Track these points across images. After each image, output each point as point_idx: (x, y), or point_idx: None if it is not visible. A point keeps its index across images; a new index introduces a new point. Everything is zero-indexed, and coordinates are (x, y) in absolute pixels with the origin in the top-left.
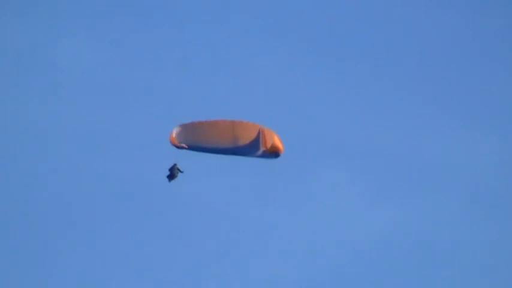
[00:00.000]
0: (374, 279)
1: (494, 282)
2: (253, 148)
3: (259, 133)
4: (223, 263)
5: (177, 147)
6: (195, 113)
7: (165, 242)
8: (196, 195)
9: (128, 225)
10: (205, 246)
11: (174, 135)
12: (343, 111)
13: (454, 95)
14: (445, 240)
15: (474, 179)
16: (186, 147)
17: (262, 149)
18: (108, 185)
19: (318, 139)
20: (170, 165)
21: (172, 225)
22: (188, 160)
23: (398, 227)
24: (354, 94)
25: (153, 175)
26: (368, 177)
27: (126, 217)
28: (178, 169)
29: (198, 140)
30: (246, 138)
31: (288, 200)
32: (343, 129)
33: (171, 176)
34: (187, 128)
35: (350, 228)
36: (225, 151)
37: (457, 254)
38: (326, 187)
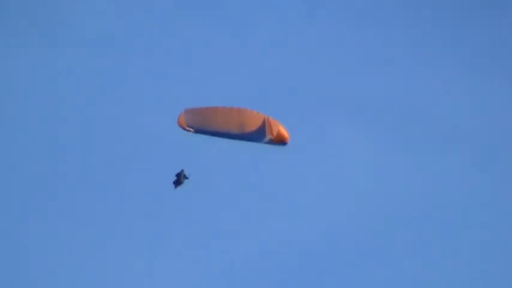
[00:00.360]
0: (383, 230)
1: (499, 237)
2: (260, 135)
3: (264, 122)
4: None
5: (184, 129)
6: (201, 99)
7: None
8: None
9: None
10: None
11: (182, 118)
12: (349, 65)
13: (464, 47)
14: (454, 195)
15: (484, 133)
16: (193, 130)
17: (268, 137)
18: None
19: (325, 94)
20: (177, 170)
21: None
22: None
23: (408, 181)
24: (359, 47)
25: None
26: (377, 132)
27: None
28: (185, 175)
29: (205, 123)
30: (252, 125)
31: (298, 157)
32: (350, 84)
33: (178, 182)
34: (195, 112)
35: (360, 181)
36: (232, 136)
37: (465, 208)
38: (335, 142)
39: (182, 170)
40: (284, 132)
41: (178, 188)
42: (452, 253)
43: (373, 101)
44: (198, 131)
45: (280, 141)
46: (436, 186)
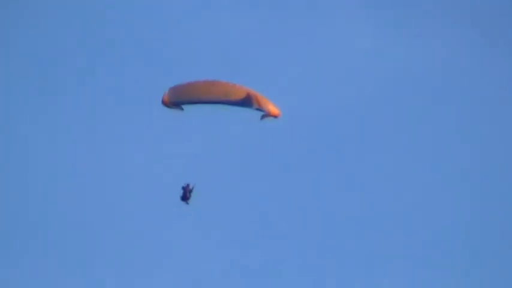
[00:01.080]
0: (381, 115)
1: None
2: (247, 101)
3: (249, 92)
4: None
5: (170, 107)
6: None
7: None
8: None
9: None
10: None
11: (166, 96)
12: None
13: None
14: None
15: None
16: (182, 108)
17: (255, 105)
18: None
19: None
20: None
21: None
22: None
23: (409, 63)
24: None
25: None
26: (379, 11)
27: None
28: (191, 190)
29: (191, 95)
30: (237, 94)
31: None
32: None
33: (185, 197)
34: (179, 88)
35: (361, 64)
36: (219, 102)
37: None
38: (335, 23)
39: (188, 185)
40: (274, 108)
41: (189, 201)
42: (446, 124)
43: None
44: (185, 103)
45: (272, 115)
46: (435, 63)
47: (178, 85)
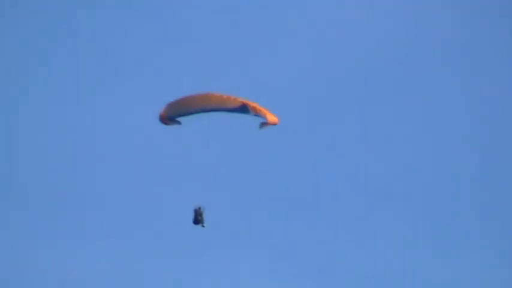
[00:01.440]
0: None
1: None
2: (245, 110)
3: (248, 103)
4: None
5: (168, 123)
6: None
7: None
8: None
9: None
10: None
11: (163, 113)
12: None
13: None
14: None
15: None
16: (180, 122)
17: (253, 113)
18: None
19: None
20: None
21: None
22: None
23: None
24: None
25: None
26: None
27: None
28: (201, 214)
29: (188, 107)
30: (232, 102)
31: None
32: None
33: (196, 220)
34: (175, 102)
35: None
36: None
37: None
38: None
39: (199, 208)
40: (273, 117)
41: (202, 224)
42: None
43: None
44: (183, 115)
45: (271, 122)
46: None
47: (174, 100)
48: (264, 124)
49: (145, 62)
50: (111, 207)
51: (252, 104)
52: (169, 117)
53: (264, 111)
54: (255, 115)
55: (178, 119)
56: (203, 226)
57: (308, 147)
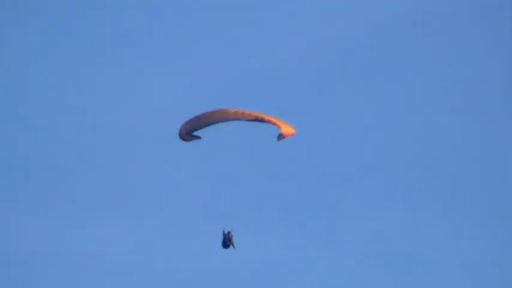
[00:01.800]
0: None
1: None
2: (262, 119)
3: (262, 116)
4: None
5: (187, 139)
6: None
7: None
8: None
9: None
10: None
11: (182, 129)
12: None
13: None
14: None
15: None
16: (199, 137)
17: (271, 122)
18: None
19: None
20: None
21: None
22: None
23: None
24: None
25: None
26: None
27: None
28: (230, 239)
29: (206, 121)
30: (251, 117)
31: None
32: None
33: (226, 244)
34: (193, 118)
35: None
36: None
37: None
38: None
39: (228, 232)
40: (288, 128)
41: (231, 247)
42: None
43: None
44: (200, 128)
45: (288, 133)
46: None
47: (192, 117)
48: (281, 136)
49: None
50: (124, 183)
51: (267, 117)
52: (188, 132)
53: (280, 123)
54: (273, 124)
55: (197, 133)
56: (234, 247)
57: None
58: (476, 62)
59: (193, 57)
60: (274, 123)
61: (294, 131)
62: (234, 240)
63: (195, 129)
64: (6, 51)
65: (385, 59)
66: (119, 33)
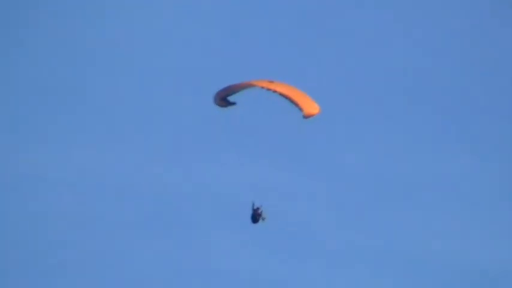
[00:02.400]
0: None
1: None
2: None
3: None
4: None
5: (223, 105)
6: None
7: None
8: None
9: None
10: None
11: (218, 95)
12: None
13: None
14: None
15: None
16: (235, 103)
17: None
18: None
19: None
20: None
21: None
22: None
23: None
24: None
25: None
26: None
27: None
28: (260, 214)
29: (238, 87)
30: (281, 88)
31: None
32: None
33: (255, 219)
34: (226, 87)
35: None
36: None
37: None
38: None
39: (258, 208)
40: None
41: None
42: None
43: None
44: (232, 94)
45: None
46: None
47: (226, 86)
48: (307, 116)
49: None
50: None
51: (295, 96)
52: (224, 97)
53: (304, 102)
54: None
55: (231, 98)
56: (263, 220)
57: None
58: None
59: None
60: (297, 104)
61: (317, 111)
62: (264, 214)
63: (229, 95)
64: None
65: None
66: None
